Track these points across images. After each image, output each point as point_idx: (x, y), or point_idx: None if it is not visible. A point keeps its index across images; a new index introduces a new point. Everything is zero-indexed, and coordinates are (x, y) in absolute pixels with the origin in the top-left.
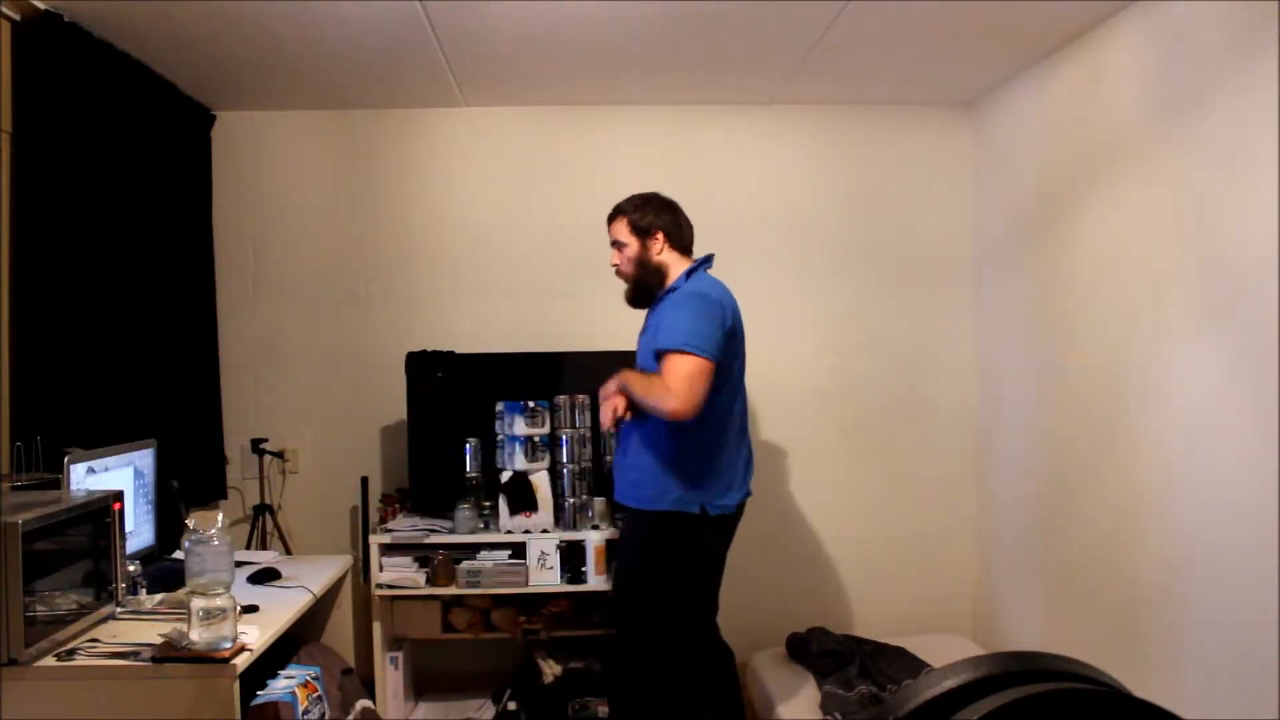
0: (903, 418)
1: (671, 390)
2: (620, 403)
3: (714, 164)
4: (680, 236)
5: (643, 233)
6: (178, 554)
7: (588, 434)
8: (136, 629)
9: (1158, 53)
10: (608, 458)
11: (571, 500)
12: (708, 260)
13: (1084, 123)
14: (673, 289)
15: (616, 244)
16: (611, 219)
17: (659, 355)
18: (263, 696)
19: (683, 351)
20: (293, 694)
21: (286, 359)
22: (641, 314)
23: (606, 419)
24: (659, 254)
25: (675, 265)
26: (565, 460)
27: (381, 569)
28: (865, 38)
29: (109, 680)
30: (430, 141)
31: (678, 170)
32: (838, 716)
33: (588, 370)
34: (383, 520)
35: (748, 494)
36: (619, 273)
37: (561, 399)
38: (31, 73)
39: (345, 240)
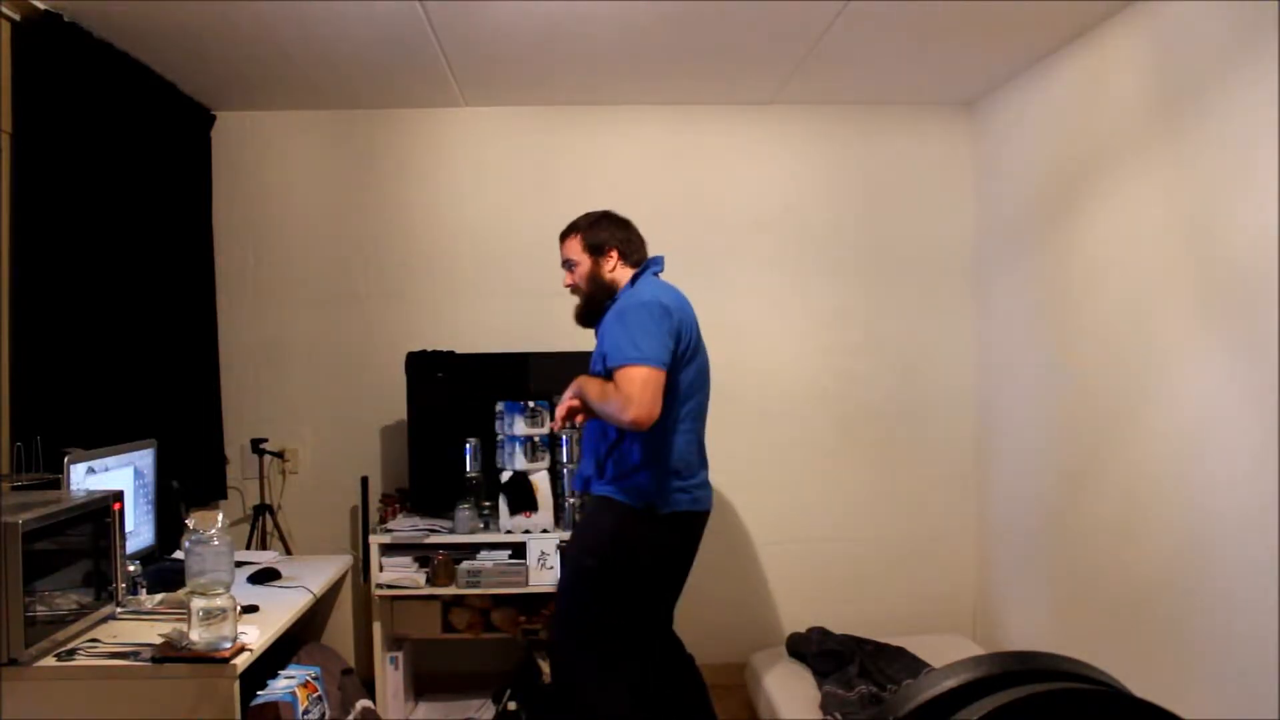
0: (903, 417)
1: (630, 398)
2: (575, 406)
3: (714, 164)
4: (632, 253)
5: (596, 250)
6: (178, 554)
7: None
8: (136, 629)
9: (1158, 53)
10: None
11: (571, 500)
12: (655, 262)
13: (1084, 122)
14: (615, 299)
15: (568, 263)
16: (564, 237)
17: (610, 372)
18: (263, 696)
19: (633, 364)
20: (293, 694)
21: (286, 359)
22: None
23: (559, 420)
24: (611, 271)
25: (625, 280)
26: (565, 460)
27: (381, 569)
28: (865, 38)
29: (109, 680)
30: (430, 141)
31: (678, 170)
32: (838, 716)
33: (589, 370)
34: (383, 520)
35: (707, 507)
36: (573, 291)
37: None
38: (31, 73)
39: (345, 240)
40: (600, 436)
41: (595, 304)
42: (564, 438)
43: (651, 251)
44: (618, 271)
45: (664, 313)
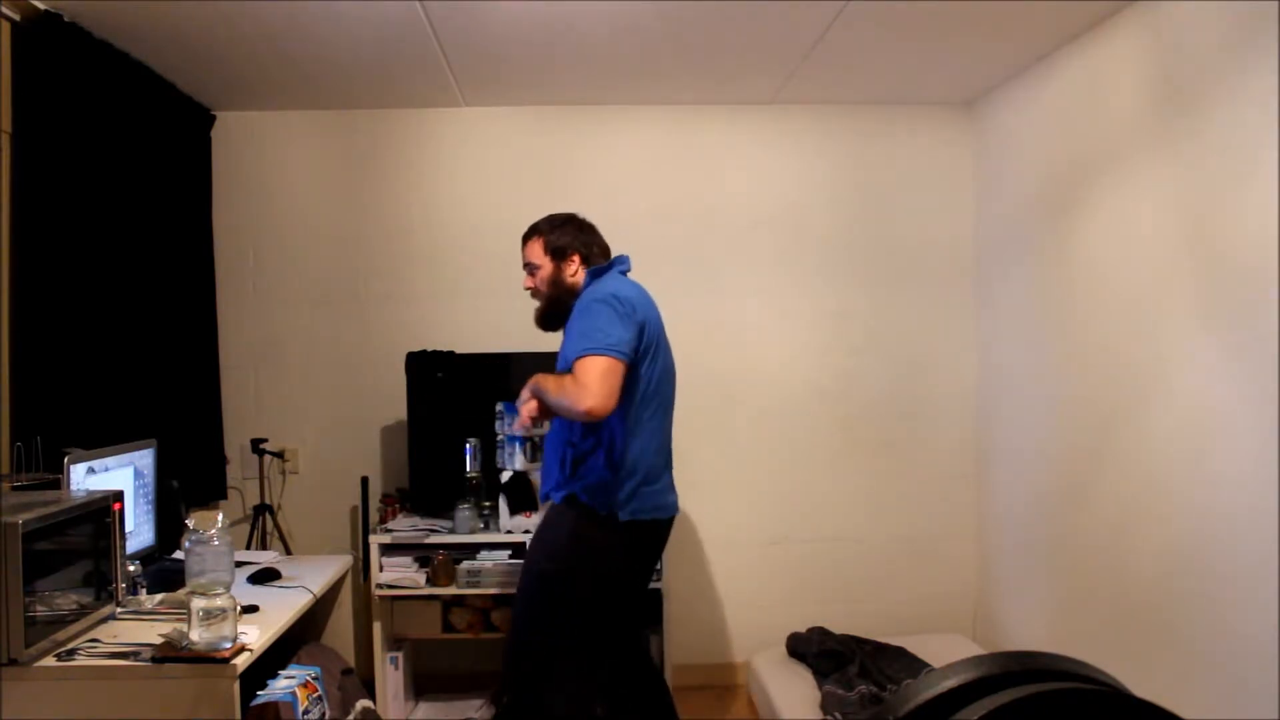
0: (903, 418)
1: (585, 388)
2: (534, 407)
3: (714, 164)
4: (595, 258)
5: (558, 254)
6: (178, 554)
7: None
8: (136, 629)
9: (1158, 53)
10: None
11: None
12: (621, 261)
13: (1084, 123)
14: (580, 296)
15: (529, 266)
16: (526, 239)
17: (573, 362)
18: (263, 696)
19: (593, 353)
20: (293, 694)
21: (286, 359)
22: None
23: (520, 423)
24: (573, 276)
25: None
26: None
27: (381, 569)
28: (865, 38)
29: (109, 680)
30: (430, 141)
31: (677, 170)
32: (838, 716)
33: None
34: (383, 520)
35: (671, 514)
36: (533, 295)
37: None
38: (31, 73)
39: (345, 240)
40: (561, 441)
41: (557, 307)
42: None
43: (651, 250)
44: (579, 276)
45: (627, 306)
